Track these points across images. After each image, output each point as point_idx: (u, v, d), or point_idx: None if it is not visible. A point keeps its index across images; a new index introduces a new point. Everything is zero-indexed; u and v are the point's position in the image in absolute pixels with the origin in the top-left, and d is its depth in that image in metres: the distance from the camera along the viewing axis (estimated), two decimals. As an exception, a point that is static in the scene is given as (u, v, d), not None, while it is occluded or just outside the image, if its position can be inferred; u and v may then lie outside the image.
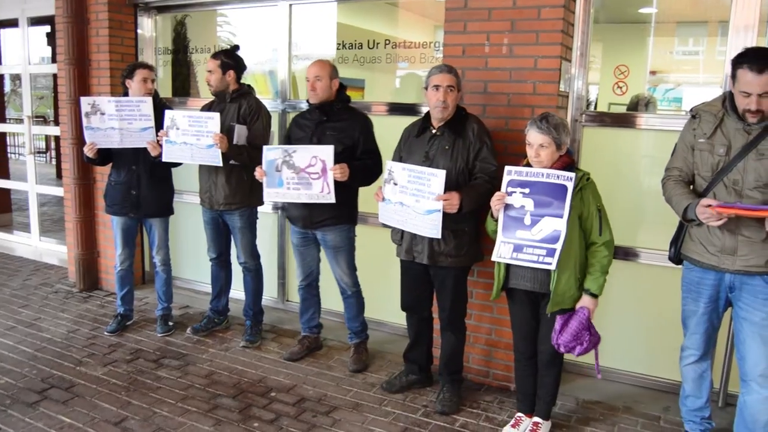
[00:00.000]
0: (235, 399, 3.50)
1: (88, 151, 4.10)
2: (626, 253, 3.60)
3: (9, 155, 8.16)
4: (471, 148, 3.21)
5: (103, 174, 4.93)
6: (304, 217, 3.75)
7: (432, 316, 3.59)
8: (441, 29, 3.76)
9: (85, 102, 4.09)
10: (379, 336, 4.35)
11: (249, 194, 4.04)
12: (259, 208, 4.25)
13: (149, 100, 4.09)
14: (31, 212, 6.80)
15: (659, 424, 3.32)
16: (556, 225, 2.77)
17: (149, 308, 4.87)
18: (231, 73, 4.01)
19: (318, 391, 3.63)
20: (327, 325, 4.33)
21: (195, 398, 3.50)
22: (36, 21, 6.51)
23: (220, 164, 3.87)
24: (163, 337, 4.36)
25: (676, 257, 2.97)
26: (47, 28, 7.32)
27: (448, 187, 3.03)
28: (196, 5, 5.17)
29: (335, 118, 3.69)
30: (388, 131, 3.81)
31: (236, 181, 4.02)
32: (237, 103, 4.02)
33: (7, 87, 10.45)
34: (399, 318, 3.89)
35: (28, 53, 6.49)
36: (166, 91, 5.44)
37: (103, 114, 4.06)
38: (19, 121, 7.00)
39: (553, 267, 2.78)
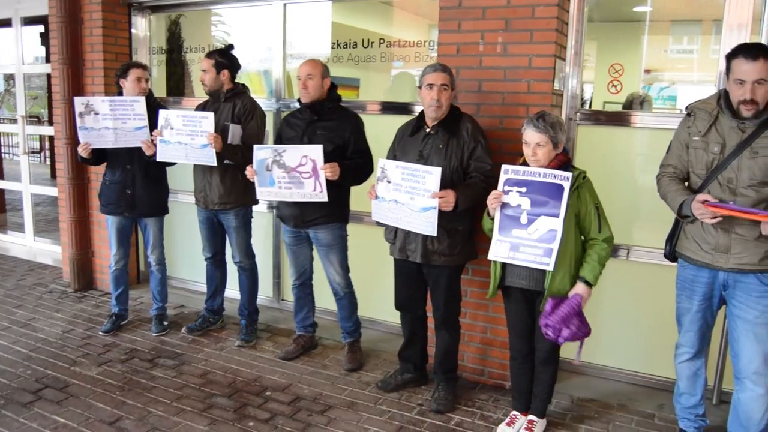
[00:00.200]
0: (230, 398, 3.50)
1: (82, 151, 4.09)
2: (621, 251, 3.61)
3: (3, 155, 8.13)
4: (465, 147, 3.21)
5: (97, 174, 4.92)
6: (296, 216, 3.75)
7: (426, 315, 3.59)
8: (435, 28, 3.76)
9: (79, 102, 4.07)
10: (374, 335, 4.36)
11: (243, 194, 4.02)
12: (254, 208, 4.25)
13: (143, 99, 4.08)
14: (26, 212, 6.77)
15: (654, 422, 3.33)
16: (553, 224, 2.77)
17: (144, 308, 4.86)
18: (225, 72, 4.00)
19: (313, 390, 3.62)
20: (322, 324, 4.32)
21: (190, 398, 3.49)
22: (29, 21, 6.48)
23: (215, 164, 3.87)
24: (158, 337, 4.35)
25: (672, 255, 2.97)
26: (41, 28, 7.30)
27: (443, 185, 3.03)
28: (190, 5, 5.16)
29: (326, 118, 3.68)
30: (382, 130, 3.81)
31: (231, 181, 4.01)
32: (231, 103, 4.01)
33: (1, 87, 10.43)
34: (394, 317, 3.89)
35: (21, 53, 6.46)
36: (160, 91, 5.43)
37: (97, 114, 4.05)
38: (13, 121, 6.96)
39: (550, 267, 2.79)
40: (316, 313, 4.21)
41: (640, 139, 3.72)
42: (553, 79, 3.41)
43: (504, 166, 2.89)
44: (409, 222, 3.16)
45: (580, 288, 2.86)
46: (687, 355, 2.95)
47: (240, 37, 5.05)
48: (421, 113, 3.33)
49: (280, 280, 4.95)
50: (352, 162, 3.62)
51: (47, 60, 5.99)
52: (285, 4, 4.64)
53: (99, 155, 4.19)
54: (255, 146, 3.63)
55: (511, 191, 2.86)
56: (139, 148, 4.08)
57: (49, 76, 5.87)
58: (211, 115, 3.85)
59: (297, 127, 3.75)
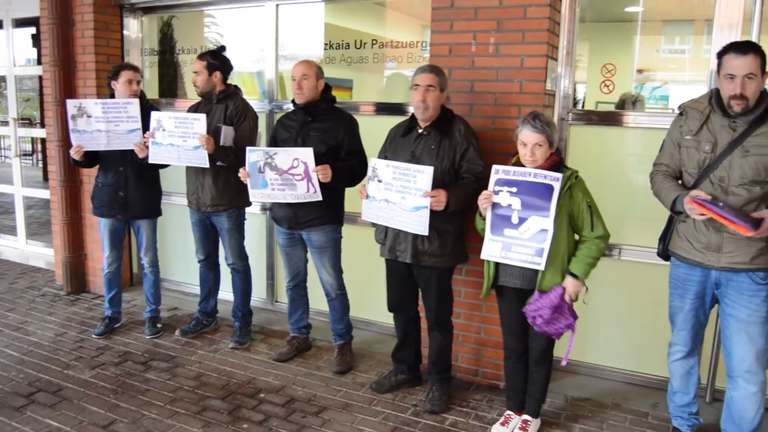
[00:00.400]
0: (224, 400, 3.49)
1: (75, 154, 4.07)
2: (614, 250, 3.62)
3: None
4: (458, 148, 3.21)
5: (90, 176, 4.89)
6: (290, 218, 3.74)
7: (419, 316, 3.59)
8: (428, 29, 3.76)
9: (71, 104, 4.06)
10: (367, 336, 4.36)
11: (236, 195, 4.01)
12: (247, 209, 4.24)
13: (136, 101, 4.07)
14: (18, 215, 6.74)
15: (648, 420, 3.34)
16: (543, 224, 2.78)
17: (137, 310, 4.84)
18: (217, 74, 3.99)
19: (307, 391, 3.62)
20: (316, 326, 4.32)
21: (184, 400, 3.48)
22: (21, 22, 6.46)
23: (207, 165, 3.86)
24: (152, 340, 4.33)
25: (665, 253, 2.99)
26: (32, 30, 7.26)
27: (434, 186, 3.03)
28: (182, 6, 5.15)
29: (320, 119, 3.68)
30: (375, 131, 3.80)
31: (223, 183, 4.00)
32: (224, 104, 4.00)
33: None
34: (387, 318, 3.88)
35: (13, 55, 6.44)
36: (153, 93, 5.41)
37: (89, 116, 4.03)
38: (5, 123, 6.94)
39: (542, 267, 2.81)
40: (310, 315, 4.20)
41: (633, 139, 3.72)
42: (545, 79, 3.41)
43: (495, 166, 2.90)
44: (400, 221, 3.16)
45: (566, 281, 2.86)
46: (680, 354, 2.96)
47: (232, 38, 5.04)
48: (414, 114, 3.33)
49: (273, 282, 4.94)
50: (345, 163, 3.61)
51: (39, 62, 5.96)
52: (277, 6, 4.63)
53: (91, 158, 4.18)
54: (247, 149, 3.61)
55: (502, 191, 2.86)
56: (132, 150, 4.06)
57: (40, 78, 5.85)
58: (203, 116, 3.84)
59: (291, 128, 3.74)
